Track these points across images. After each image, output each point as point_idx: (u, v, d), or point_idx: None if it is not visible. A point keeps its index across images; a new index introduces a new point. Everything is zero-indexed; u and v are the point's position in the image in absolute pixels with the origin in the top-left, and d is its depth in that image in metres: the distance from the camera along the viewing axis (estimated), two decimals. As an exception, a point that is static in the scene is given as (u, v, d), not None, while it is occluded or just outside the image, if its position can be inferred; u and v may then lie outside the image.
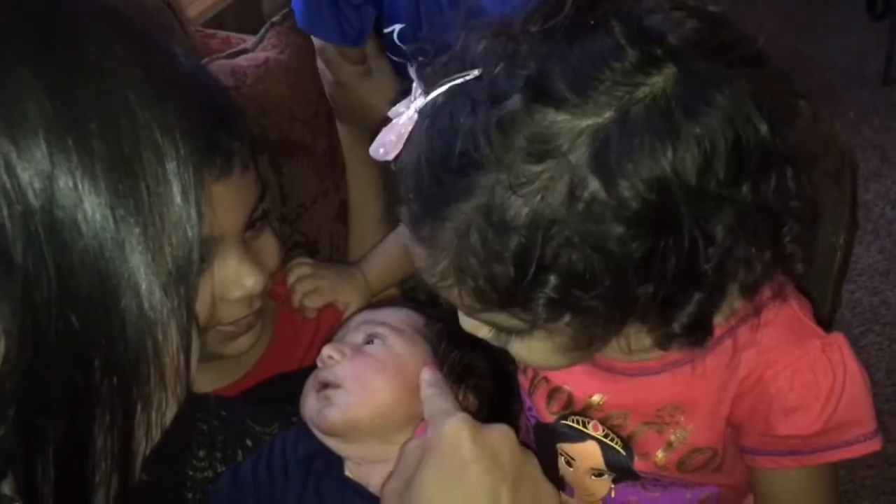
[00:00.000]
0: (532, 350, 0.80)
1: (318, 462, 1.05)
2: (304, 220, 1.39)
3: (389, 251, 1.31)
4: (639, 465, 0.90)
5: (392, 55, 1.50)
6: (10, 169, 0.47)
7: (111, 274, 0.51)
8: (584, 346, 0.79)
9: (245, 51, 1.39)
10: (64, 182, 0.49)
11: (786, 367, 0.82)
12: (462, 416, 0.83)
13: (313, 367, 1.08)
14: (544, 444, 0.97)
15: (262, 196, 1.08)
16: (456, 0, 1.30)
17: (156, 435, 0.59)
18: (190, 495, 1.03)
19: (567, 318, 0.73)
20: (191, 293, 0.57)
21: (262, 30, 1.44)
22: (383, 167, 1.53)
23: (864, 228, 2.76)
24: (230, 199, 1.01)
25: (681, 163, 0.66)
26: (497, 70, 0.69)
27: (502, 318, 0.76)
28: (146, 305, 0.53)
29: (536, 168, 0.66)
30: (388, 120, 1.36)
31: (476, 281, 0.71)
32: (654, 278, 0.69)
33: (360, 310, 1.19)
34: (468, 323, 0.81)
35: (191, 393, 1.10)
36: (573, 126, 0.66)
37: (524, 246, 0.68)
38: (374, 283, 1.29)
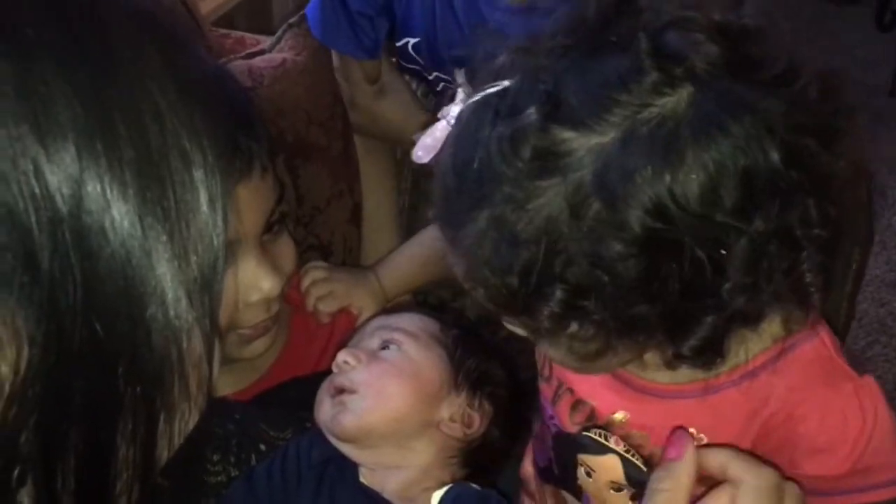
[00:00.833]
0: (557, 351, 0.80)
1: (332, 468, 1.04)
2: (319, 222, 1.39)
3: (408, 257, 1.30)
4: None
5: (404, 62, 1.50)
6: (38, 173, 0.46)
7: (137, 282, 0.50)
8: (592, 357, 0.78)
9: (262, 52, 1.38)
10: (92, 187, 0.48)
11: (816, 407, 0.81)
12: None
13: (328, 371, 1.08)
14: (565, 454, 0.96)
15: (280, 199, 1.07)
16: (473, 17, 1.29)
17: (177, 443, 0.59)
18: (204, 500, 1.03)
19: (572, 328, 0.73)
20: (215, 302, 0.57)
21: (280, 31, 1.43)
22: (396, 174, 1.54)
23: (870, 239, 2.76)
24: (249, 202, 1.00)
25: (682, 189, 0.65)
26: (519, 84, 0.70)
27: (518, 322, 0.78)
28: (172, 314, 0.52)
29: (543, 184, 0.67)
30: (407, 138, 1.37)
31: (486, 288, 0.72)
32: (655, 299, 0.69)
33: (374, 315, 1.19)
34: (508, 324, 0.82)
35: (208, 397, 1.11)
36: (580, 144, 0.66)
37: (530, 259, 0.68)
38: (389, 288, 1.28)
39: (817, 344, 0.82)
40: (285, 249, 1.09)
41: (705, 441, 0.84)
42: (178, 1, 1.56)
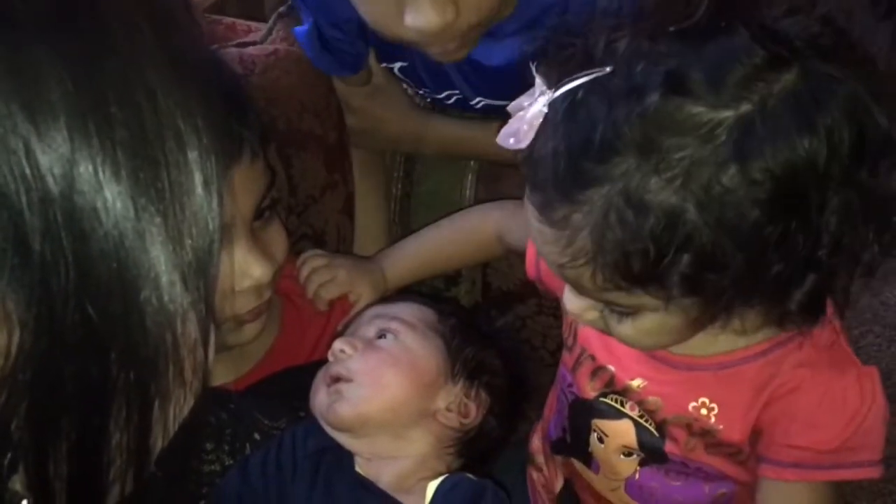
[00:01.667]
0: (639, 330, 0.84)
1: (328, 457, 1.04)
2: (312, 211, 1.38)
3: (414, 250, 1.29)
4: (669, 447, 0.95)
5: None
6: (29, 153, 0.45)
7: (131, 264, 0.49)
8: (697, 326, 0.84)
9: (254, 43, 1.37)
10: (84, 168, 0.47)
11: (819, 384, 0.88)
12: None
13: (323, 361, 1.07)
14: (580, 420, 1.01)
15: (271, 185, 1.06)
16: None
17: (172, 430, 0.58)
18: (197, 489, 1.02)
19: (698, 295, 0.77)
20: (210, 286, 0.56)
21: (270, 21, 1.42)
22: (389, 197, 1.53)
23: (863, 229, 2.75)
24: (239, 187, 0.99)
25: (813, 150, 0.72)
26: (638, 66, 0.74)
27: (624, 298, 0.80)
28: (166, 298, 0.51)
29: (677, 155, 0.71)
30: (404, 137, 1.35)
31: (614, 259, 0.75)
32: (782, 260, 0.74)
33: (372, 304, 1.18)
34: (577, 304, 0.86)
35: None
36: (712, 116, 0.71)
37: (662, 226, 0.73)
38: (391, 278, 1.27)
39: (829, 330, 0.88)
40: (277, 237, 1.08)
41: (716, 411, 0.91)
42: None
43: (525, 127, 0.78)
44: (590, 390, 1.00)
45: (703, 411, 0.92)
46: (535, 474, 1.17)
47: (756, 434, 0.91)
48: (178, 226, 0.51)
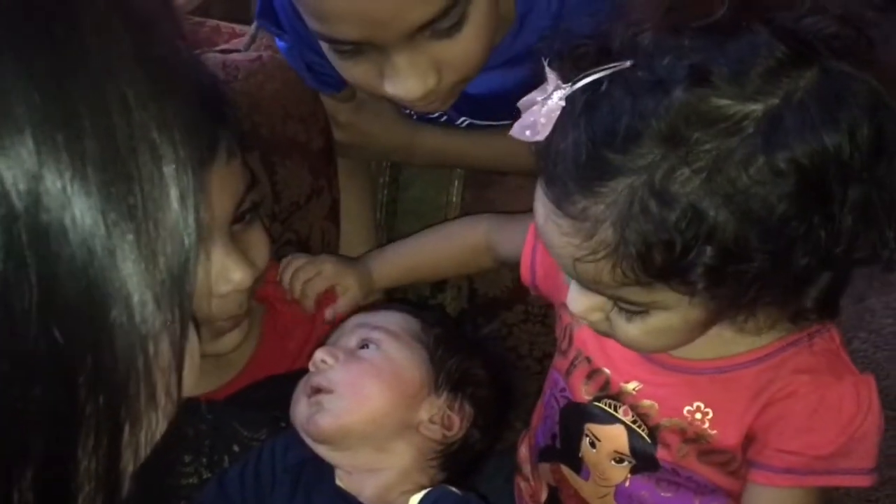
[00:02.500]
0: (646, 330, 0.84)
1: (308, 470, 1.02)
2: (297, 218, 1.36)
3: (403, 253, 1.27)
4: (661, 453, 0.95)
5: None
6: None
7: (100, 284, 0.47)
8: (705, 326, 0.84)
9: (236, 50, 1.35)
10: (51, 183, 0.45)
11: (816, 389, 0.88)
12: None
13: (304, 370, 1.05)
14: (572, 424, 1.01)
15: (250, 187, 1.04)
16: None
17: (143, 454, 0.56)
18: (175, 502, 1.00)
19: (720, 289, 0.77)
20: (185, 306, 0.54)
21: (252, 28, 1.40)
22: (375, 205, 1.51)
23: (850, 236, 2.75)
24: (216, 188, 0.97)
25: (837, 144, 0.72)
26: (663, 60, 0.75)
27: (640, 294, 0.80)
28: (137, 318, 0.49)
29: (704, 147, 0.72)
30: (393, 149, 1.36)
31: (637, 250, 0.75)
32: (804, 255, 0.74)
33: (355, 311, 1.16)
34: (583, 304, 0.86)
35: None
36: (738, 109, 0.72)
37: (687, 218, 0.73)
38: (377, 277, 1.25)
39: (827, 338, 0.90)
40: (258, 241, 1.05)
41: (711, 416, 0.91)
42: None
43: (542, 120, 0.77)
44: (584, 394, 0.99)
45: (698, 416, 0.92)
46: (522, 483, 1.17)
47: (749, 440, 0.91)
48: (151, 243, 0.49)
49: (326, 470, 1.02)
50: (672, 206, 0.73)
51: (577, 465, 1.02)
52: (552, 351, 1.09)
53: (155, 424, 0.54)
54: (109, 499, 0.53)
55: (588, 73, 0.76)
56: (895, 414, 2.33)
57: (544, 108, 0.77)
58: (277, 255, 1.32)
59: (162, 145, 0.50)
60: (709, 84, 0.72)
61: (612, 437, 0.98)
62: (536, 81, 0.79)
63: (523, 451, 1.16)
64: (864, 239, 0.76)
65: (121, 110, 0.48)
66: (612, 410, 0.97)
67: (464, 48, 1.02)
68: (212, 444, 1.05)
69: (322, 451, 1.01)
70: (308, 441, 1.02)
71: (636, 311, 0.83)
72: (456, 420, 1.03)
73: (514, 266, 1.32)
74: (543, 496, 1.12)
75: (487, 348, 1.13)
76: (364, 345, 1.04)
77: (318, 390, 1.01)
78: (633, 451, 0.97)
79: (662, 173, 0.73)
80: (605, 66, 0.76)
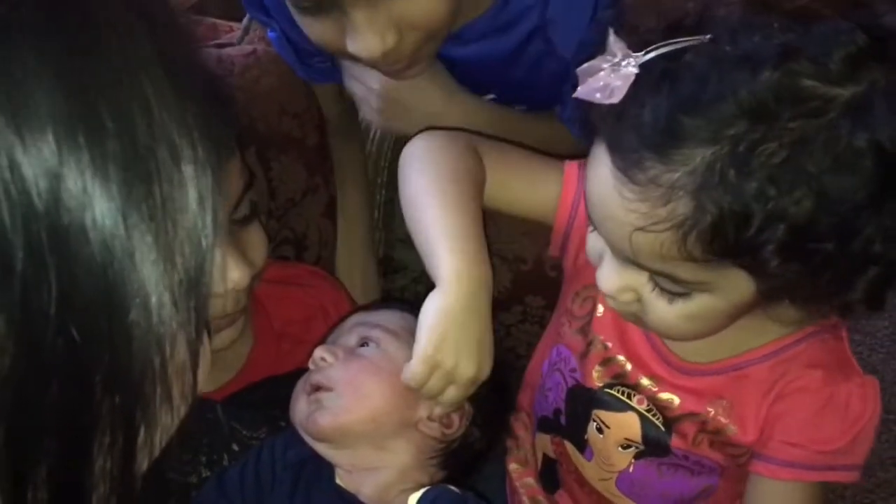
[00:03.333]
0: (682, 314, 0.83)
1: (307, 469, 1.01)
2: (293, 215, 1.35)
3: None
4: (676, 441, 0.96)
5: None
6: (13, 166, 0.43)
7: (118, 284, 0.47)
8: (741, 313, 0.84)
9: (231, 43, 1.34)
10: (73, 183, 0.44)
11: (826, 385, 0.90)
12: None
13: (304, 370, 1.04)
14: (580, 407, 1.00)
15: (249, 186, 1.03)
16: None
17: (156, 453, 0.55)
18: (173, 502, 0.99)
19: (784, 270, 0.76)
20: (202, 307, 0.53)
21: (245, 21, 1.39)
22: (371, 194, 1.49)
23: (844, 237, 2.76)
24: None
25: None
26: (752, 37, 0.75)
27: (692, 271, 0.78)
28: (155, 319, 0.49)
29: (790, 124, 0.72)
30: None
31: (711, 222, 0.74)
32: (872, 243, 0.75)
33: (356, 310, 1.15)
34: (617, 283, 0.84)
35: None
36: (826, 91, 0.73)
37: (767, 191, 0.73)
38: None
39: (838, 337, 0.92)
40: (256, 240, 1.04)
41: (732, 411, 0.93)
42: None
43: (618, 83, 0.76)
44: (595, 380, 0.99)
45: (720, 412, 0.93)
46: (512, 465, 1.16)
47: (762, 433, 0.93)
48: (169, 244, 0.49)
49: (326, 468, 1.01)
50: (753, 179, 0.73)
51: (582, 445, 1.02)
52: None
53: (169, 424, 0.53)
54: (123, 499, 0.52)
55: (665, 43, 0.76)
56: (890, 416, 2.34)
57: (618, 72, 0.77)
58: (274, 254, 1.31)
59: (182, 145, 0.49)
60: (798, 65, 0.73)
61: (624, 424, 0.98)
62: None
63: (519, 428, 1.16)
64: None
65: (142, 110, 0.47)
66: (624, 398, 0.97)
67: (424, 6, 1.00)
68: (210, 443, 1.04)
69: (322, 449, 1.00)
70: (308, 439, 1.01)
71: (679, 291, 0.82)
72: (455, 418, 1.02)
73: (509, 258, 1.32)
74: (538, 465, 1.12)
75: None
76: (363, 343, 1.03)
77: (317, 388, 1.00)
78: (646, 438, 0.97)
79: (746, 145, 0.72)
80: (684, 39, 0.76)
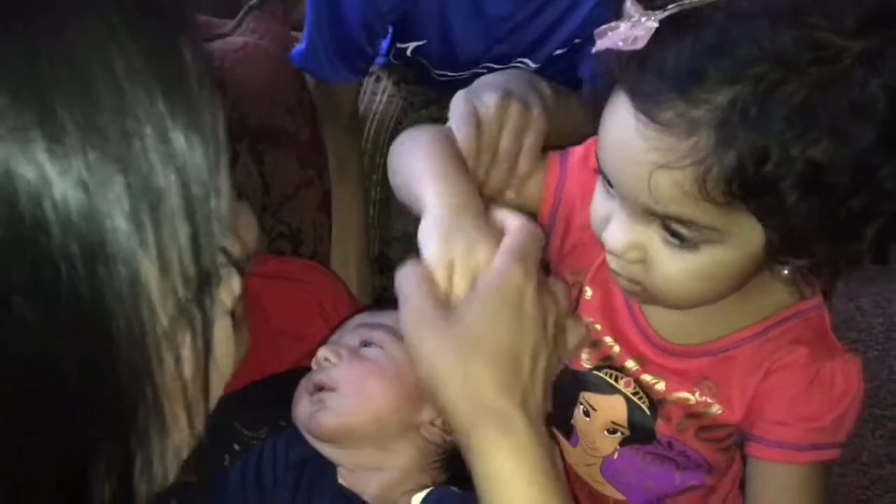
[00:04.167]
0: (689, 269, 0.83)
1: (310, 469, 1.00)
2: (287, 209, 1.34)
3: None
4: (660, 426, 0.96)
5: (396, 60, 1.46)
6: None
7: (103, 290, 0.44)
8: (751, 272, 0.84)
9: (223, 35, 1.32)
10: (28, 170, 0.42)
11: (813, 361, 0.91)
12: (535, 278, 0.79)
13: (304, 368, 1.03)
14: (567, 390, 1.00)
15: (233, 164, 1.00)
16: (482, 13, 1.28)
17: (172, 472, 0.53)
18: (174, 501, 0.97)
19: (806, 208, 0.77)
20: (208, 316, 0.50)
21: (241, 13, 1.37)
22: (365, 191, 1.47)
23: (836, 235, 2.76)
24: None
25: None
26: None
27: (706, 214, 0.79)
28: (146, 327, 0.46)
29: (809, 69, 0.74)
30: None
31: (734, 157, 0.75)
32: (883, 187, 0.77)
33: (357, 310, 1.13)
34: (626, 238, 0.84)
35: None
36: (841, 42, 0.75)
37: (787, 128, 0.75)
38: None
39: (823, 315, 0.94)
40: (247, 221, 1.00)
41: (718, 392, 0.94)
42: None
43: (640, 33, 0.78)
44: (584, 362, 0.99)
45: (706, 392, 0.94)
46: None
47: (750, 412, 0.94)
48: (158, 236, 0.47)
49: (328, 468, 1.00)
50: (773, 116, 0.75)
51: (568, 431, 1.03)
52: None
53: (180, 441, 0.51)
54: None
55: (683, 2, 0.79)
56: (885, 413, 2.34)
57: (639, 25, 0.79)
58: (271, 249, 1.29)
59: (160, 124, 0.46)
60: (814, 19, 0.75)
61: (610, 407, 0.98)
62: None
63: None
64: None
65: (110, 89, 0.45)
66: (612, 381, 0.98)
67: None
68: (211, 443, 1.02)
69: (324, 449, 1.00)
70: (310, 439, 1.00)
71: (690, 239, 0.81)
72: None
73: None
74: None
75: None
76: (367, 343, 1.02)
77: (320, 388, 0.99)
78: (631, 423, 0.98)
79: (767, 85, 0.74)
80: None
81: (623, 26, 0.79)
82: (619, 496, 1.03)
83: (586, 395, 0.99)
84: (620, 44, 0.79)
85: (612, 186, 0.84)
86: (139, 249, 0.45)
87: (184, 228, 0.48)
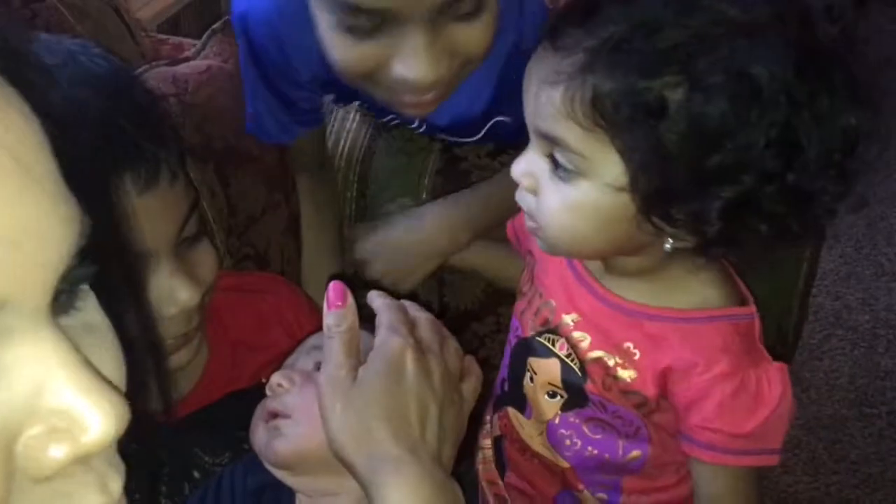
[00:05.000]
0: (567, 202, 0.89)
1: (267, 496, 0.99)
2: (253, 232, 1.33)
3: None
4: (589, 386, 1.01)
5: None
6: None
7: None
8: (626, 227, 0.88)
9: (187, 59, 1.32)
10: None
11: (738, 370, 0.93)
12: (411, 340, 0.90)
13: (263, 386, 1.02)
14: (518, 360, 1.08)
15: (195, 205, 1.01)
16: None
17: None
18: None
19: (655, 149, 0.82)
20: None
21: (204, 37, 1.37)
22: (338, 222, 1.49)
23: (823, 232, 2.75)
24: (159, 211, 0.95)
25: (790, 76, 0.80)
26: None
27: (576, 136, 0.85)
28: None
29: (692, 23, 0.81)
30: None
31: (602, 78, 0.82)
32: (727, 155, 0.81)
33: (308, 331, 1.13)
34: (521, 165, 0.93)
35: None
36: (732, 13, 0.81)
37: (647, 68, 0.81)
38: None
39: (753, 323, 0.96)
40: (204, 258, 1.03)
41: (637, 357, 0.97)
42: (110, 7, 1.50)
43: None
44: (530, 329, 1.06)
45: (625, 354, 0.98)
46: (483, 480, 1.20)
47: (664, 394, 0.97)
48: None
49: (286, 495, 0.99)
50: (642, 55, 0.81)
51: (522, 403, 1.08)
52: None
53: None
54: None
55: None
56: (873, 410, 2.33)
57: None
58: (237, 269, 1.29)
59: None
60: None
61: (547, 370, 1.04)
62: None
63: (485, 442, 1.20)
64: (780, 175, 0.82)
65: None
66: (550, 345, 1.03)
67: (479, 35, 1.02)
68: (171, 472, 1.02)
69: (281, 476, 0.98)
70: (268, 466, 0.98)
71: (566, 170, 0.88)
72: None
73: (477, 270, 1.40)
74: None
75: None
76: (320, 367, 1.01)
77: (275, 415, 0.98)
78: (565, 383, 1.03)
79: (646, 28, 0.81)
80: None
81: None
82: (566, 464, 1.07)
83: (531, 361, 1.06)
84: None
85: None
86: None
87: None
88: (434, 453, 0.86)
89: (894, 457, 2.20)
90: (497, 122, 1.30)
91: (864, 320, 2.53)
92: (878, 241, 2.75)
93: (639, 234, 0.89)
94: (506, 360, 1.12)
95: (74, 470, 0.42)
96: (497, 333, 1.51)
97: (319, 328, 1.04)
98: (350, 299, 0.90)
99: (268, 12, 1.20)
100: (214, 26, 1.39)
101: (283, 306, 1.25)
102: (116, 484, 0.45)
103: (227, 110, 1.30)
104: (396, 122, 1.41)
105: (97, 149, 0.81)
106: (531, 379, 1.06)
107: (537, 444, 1.08)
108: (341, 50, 1.03)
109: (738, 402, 0.93)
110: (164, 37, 1.74)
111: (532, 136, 0.91)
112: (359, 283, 1.50)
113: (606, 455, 1.04)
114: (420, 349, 0.90)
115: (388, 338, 0.89)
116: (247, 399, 1.05)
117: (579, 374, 1.01)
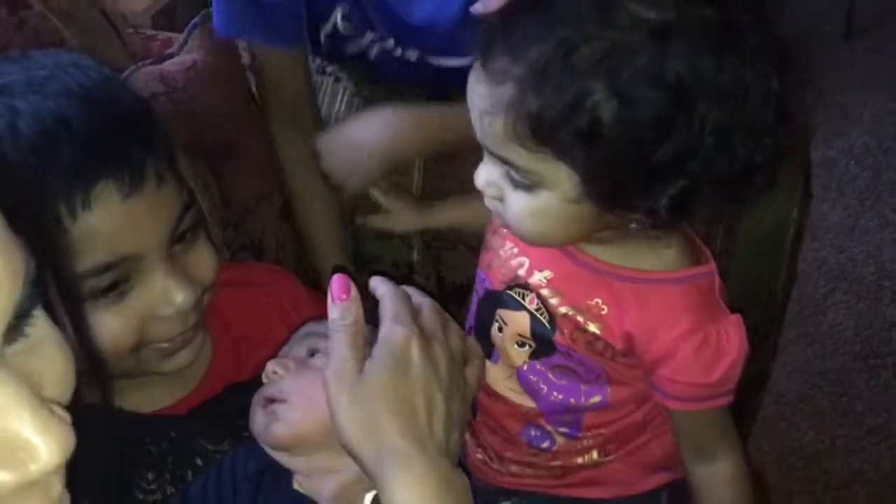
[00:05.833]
0: (527, 208, 0.93)
1: (267, 478, 1.03)
2: (248, 222, 1.36)
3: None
4: (558, 338, 1.05)
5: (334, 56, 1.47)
6: None
7: None
8: (589, 223, 0.93)
9: (171, 55, 1.35)
10: None
11: (701, 327, 0.98)
12: (415, 329, 0.91)
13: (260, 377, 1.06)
14: (486, 311, 1.11)
15: (189, 206, 1.03)
16: None
17: None
18: (136, 523, 1.01)
19: (591, 156, 0.85)
20: None
21: (186, 31, 1.39)
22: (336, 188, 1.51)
23: (828, 186, 2.75)
24: (147, 215, 0.97)
25: (710, 69, 0.83)
26: None
27: (523, 157, 0.88)
28: None
29: (606, 36, 0.82)
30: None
31: (532, 106, 0.84)
32: (663, 153, 0.84)
33: (306, 322, 1.16)
34: (482, 176, 0.96)
35: (137, 415, 1.08)
36: (644, 16, 0.83)
37: (575, 88, 0.83)
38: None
39: (713, 281, 1.01)
40: (201, 258, 1.05)
41: (605, 312, 1.01)
42: (97, 9, 1.52)
43: (496, 3, 0.89)
44: (499, 283, 1.08)
45: (593, 310, 1.02)
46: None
47: (630, 346, 1.02)
48: None
49: (284, 475, 1.03)
50: (565, 75, 0.83)
51: (489, 349, 1.10)
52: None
53: None
54: None
55: None
56: (878, 362, 2.35)
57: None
58: (235, 261, 1.33)
59: None
60: None
61: (517, 322, 1.07)
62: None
63: None
64: (720, 159, 0.85)
65: None
66: (520, 299, 1.06)
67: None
68: (175, 461, 1.06)
69: (281, 457, 1.02)
70: (267, 449, 1.03)
71: (525, 183, 0.91)
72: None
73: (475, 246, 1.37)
74: None
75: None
76: (313, 353, 1.04)
77: (271, 401, 1.02)
78: (534, 334, 1.06)
79: (564, 47, 0.82)
80: None
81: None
82: (532, 404, 1.11)
83: (500, 312, 1.08)
84: (481, 8, 0.90)
85: None
86: None
87: None
88: (441, 444, 0.88)
89: (900, 407, 2.22)
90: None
91: (869, 272, 2.53)
92: (883, 193, 2.75)
93: (603, 222, 0.93)
94: (472, 310, 1.15)
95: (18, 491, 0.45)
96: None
97: (317, 318, 1.09)
98: (354, 291, 0.93)
99: None
100: (195, 19, 1.40)
101: (282, 298, 1.28)
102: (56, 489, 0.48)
103: (215, 104, 1.33)
104: (380, 36, 1.43)
105: (36, 178, 0.85)
106: (500, 329, 1.09)
107: (502, 387, 1.12)
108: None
109: (701, 356, 0.99)
110: (153, 33, 1.76)
111: (487, 152, 0.94)
112: (360, 262, 1.53)
113: (571, 399, 1.08)
114: (425, 338, 0.91)
115: (392, 329, 0.91)
116: (243, 391, 1.09)
117: (548, 326, 1.05)
